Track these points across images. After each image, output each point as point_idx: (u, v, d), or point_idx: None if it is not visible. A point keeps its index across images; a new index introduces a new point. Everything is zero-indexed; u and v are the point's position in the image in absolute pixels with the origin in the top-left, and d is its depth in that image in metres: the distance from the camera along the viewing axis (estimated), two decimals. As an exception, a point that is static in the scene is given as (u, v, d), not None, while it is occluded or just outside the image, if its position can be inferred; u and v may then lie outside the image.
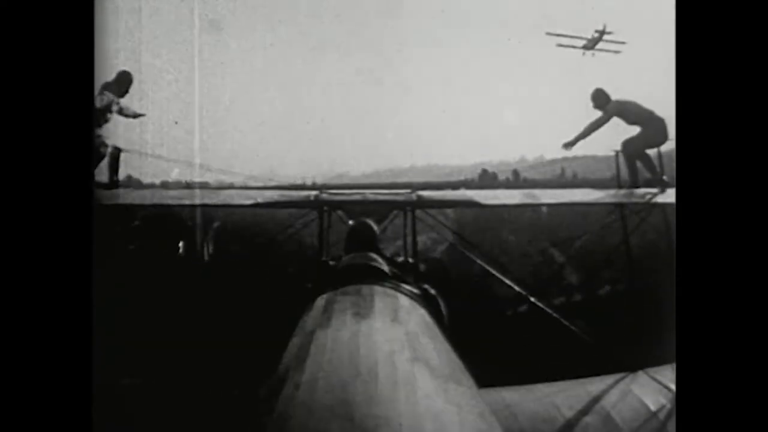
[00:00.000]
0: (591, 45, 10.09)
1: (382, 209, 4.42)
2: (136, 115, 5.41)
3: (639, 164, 5.35)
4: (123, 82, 5.34)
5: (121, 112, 5.29)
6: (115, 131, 5.25)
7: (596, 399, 3.48)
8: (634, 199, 5.00)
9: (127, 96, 5.38)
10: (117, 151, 5.13)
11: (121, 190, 5.06)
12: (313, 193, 4.51)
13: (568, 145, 5.30)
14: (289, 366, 1.92)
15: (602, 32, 10.02)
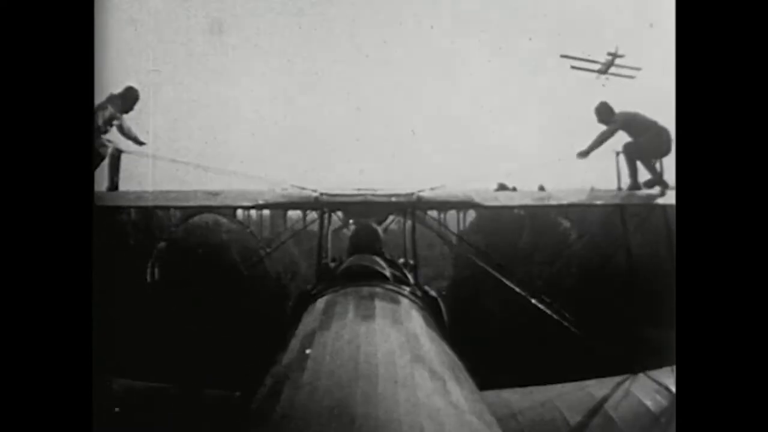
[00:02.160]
0: (604, 69, 9.93)
1: (382, 211, 4.42)
2: (136, 141, 5.26)
3: (639, 165, 5.36)
4: (129, 98, 5.21)
5: (122, 129, 5.14)
6: (116, 133, 5.20)
7: (597, 401, 3.47)
8: (634, 201, 5.00)
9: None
10: (117, 153, 5.10)
11: (120, 192, 5.04)
12: (314, 194, 4.50)
13: (583, 154, 5.35)
14: (290, 366, 1.92)
15: (614, 55, 9.85)
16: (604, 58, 9.87)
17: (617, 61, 9.80)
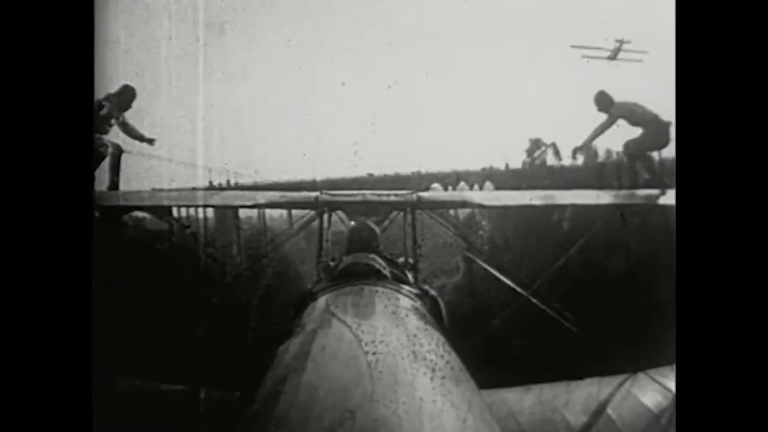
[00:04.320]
0: (613, 55, 10.07)
1: (382, 210, 4.42)
2: (143, 139, 5.15)
3: (640, 165, 5.36)
4: (125, 96, 5.09)
5: (125, 128, 5.04)
6: (117, 133, 5.15)
7: (597, 401, 3.48)
8: (634, 201, 4.99)
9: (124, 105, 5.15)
10: (118, 152, 5.05)
11: (121, 192, 5.03)
12: (314, 194, 4.50)
13: (579, 150, 5.32)
14: (290, 366, 1.92)
15: (622, 41, 10.00)
16: (612, 45, 10.00)
17: (624, 46, 9.93)
